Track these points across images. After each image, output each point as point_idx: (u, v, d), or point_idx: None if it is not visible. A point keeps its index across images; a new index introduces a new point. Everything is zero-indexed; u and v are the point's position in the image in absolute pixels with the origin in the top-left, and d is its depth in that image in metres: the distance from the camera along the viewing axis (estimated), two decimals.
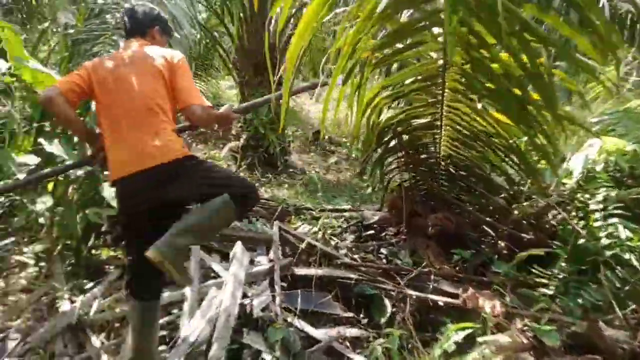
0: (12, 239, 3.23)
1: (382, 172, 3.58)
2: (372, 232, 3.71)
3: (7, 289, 2.87)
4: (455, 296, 2.67)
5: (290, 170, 7.63)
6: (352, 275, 2.82)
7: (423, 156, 3.47)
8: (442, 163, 3.42)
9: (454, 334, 2.34)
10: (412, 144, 3.37)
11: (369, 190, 5.53)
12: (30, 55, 2.92)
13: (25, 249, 3.17)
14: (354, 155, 8.65)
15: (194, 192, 2.13)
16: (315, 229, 3.21)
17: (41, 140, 2.85)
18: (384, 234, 3.71)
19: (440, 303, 2.66)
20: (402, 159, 3.35)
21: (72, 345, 2.42)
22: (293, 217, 4.07)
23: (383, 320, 2.78)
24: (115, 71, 2.14)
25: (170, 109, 2.17)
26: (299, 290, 2.76)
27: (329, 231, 3.24)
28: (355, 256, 3.05)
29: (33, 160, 2.80)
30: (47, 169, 2.68)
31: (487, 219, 3.28)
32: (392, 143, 3.35)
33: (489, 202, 3.33)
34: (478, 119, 2.84)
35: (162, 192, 2.05)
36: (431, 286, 2.72)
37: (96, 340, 2.51)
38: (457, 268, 3.01)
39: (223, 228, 2.42)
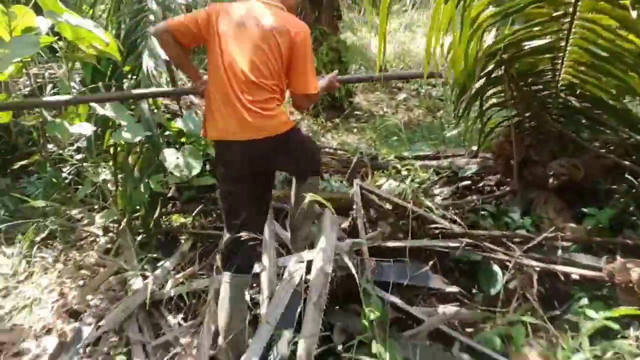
0: (80, 209, 3.13)
1: (481, 110, 3.00)
2: (468, 183, 3.22)
3: (81, 263, 2.78)
4: (592, 267, 2.16)
5: (357, 112, 7.15)
6: (453, 245, 2.38)
7: (535, 87, 2.83)
8: (562, 95, 2.78)
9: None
10: (522, 73, 2.74)
11: (453, 131, 4.93)
12: (72, 9, 2.64)
13: (96, 219, 3.06)
14: (423, 92, 7.91)
15: (289, 166, 2.34)
16: (402, 185, 2.77)
17: (94, 104, 2.60)
18: (482, 185, 3.21)
19: (575, 276, 2.17)
20: (508, 93, 2.74)
21: (147, 328, 2.26)
22: (370, 169, 3.65)
23: (493, 292, 2.36)
24: (239, 30, 2.05)
25: (281, 84, 2.12)
26: (391, 262, 2.38)
27: (418, 186, 2.78)
28: (455, 217, 2.58)
29: (87, 129, 2.58)
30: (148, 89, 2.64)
31: (626, 162, 2.64)
32: (495, 74, 2.74)
33: (624, 141, 2.68)
34: (625, 33, 2.16)
35: (265, 163, 2.13)
36: (559, 254, 2.22)
37: (173, 320, 2.33)
38: (589, 228, 2.45)
39: None
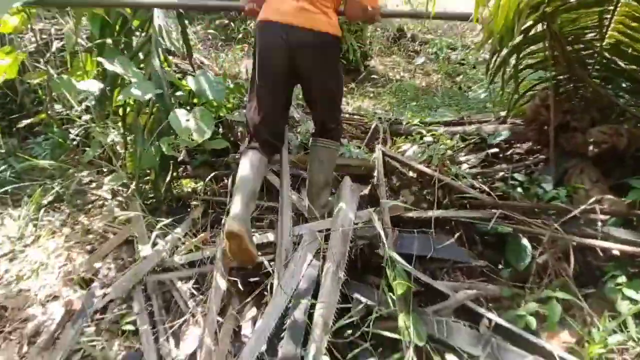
0: (88, 172, 3.03)
1: (516, 70, 2.77)
2: (497, 151, 3.04)
3: (89, 227, 2.70)
4: (634, 243, 2.00)
5: (373, 77, 6.90)
6: (483, 216, 2.23)
7: (577, 46, 2.60)
8: (606, 55, 2.55)
9: None
10: (564, 30, 2.51)
11: (479, 95, 4.69)
12: None
13: (105, 182, 2.96)
14: (442, 56, 7.57)
15: (316, 83, 2.31)
16: (427, 151, 2.60)
17: (102, 60, 2.45)
18: (512, 153, 3.02)
19: (615, 252, 2.02)
20: (549, 52, 2.51)
21: (157, 296, 2.18)
22: (390, 134, 3.48)
23: (522, 267, 2.23)
24: None
25: None
26: (415, 232, 2.25)
27: (443, 153, 2.61)
28: (484, 187, 2.42)
29: (95, 86, 2.44)
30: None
31: None
32: (534, 30, 2.51)
33: None
34: None
35: (300, 58, 2.18)
36: (599, 228, 2.06)
37: (183, 287, 2.25)
38: (629, 201, 2.27)
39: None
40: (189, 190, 3.13)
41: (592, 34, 2.56)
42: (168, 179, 2.75)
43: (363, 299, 2.04)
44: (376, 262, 2.20)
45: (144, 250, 2.35)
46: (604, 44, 2.54)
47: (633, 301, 1.93)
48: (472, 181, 2.49)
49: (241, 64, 6.36)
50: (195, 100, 2.90)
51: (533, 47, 2.70)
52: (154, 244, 2.42)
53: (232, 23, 7.57)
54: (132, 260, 2.38)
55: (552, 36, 2.41)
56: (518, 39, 2.44)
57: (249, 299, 2.14)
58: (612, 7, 2.30)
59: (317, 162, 2.50)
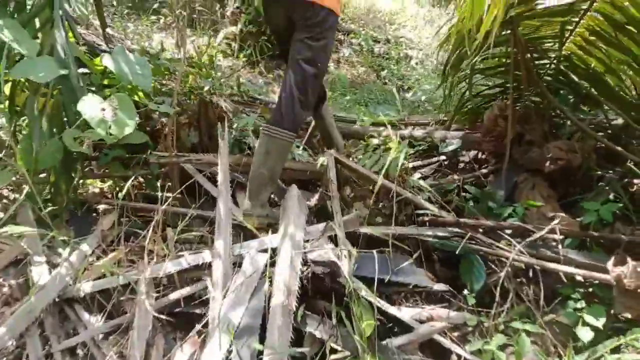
0: None
1: (472, 72, 2.68)
2: (443, 158, 2.95)
3: None
4: (596, 268, 1.98)
5: None
6: (443, 235, 2.10)
7: (534, 55, 2.56)
8: (560, 67, 2.55)
9: None
10: (525, 37, 2.44)
11: (413, 95, 4.65)
12: None
13: None
14: (367, 48, 7.53)
15: (298, 46, 2.24)
16: (381, 159, 2.41)
17: None
18: (459, 161, 2.95)
19: (579, 278, 1.99)
20: (511, 57, 2.43)
21: (59, 338, 1.75)
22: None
23: (477, 287, 2.14)
24: None
25: None
26: (374, 252, 2.04)
27: (402, 164, 2.42)
28: (440, 201, 2.28)
29: None
30: None
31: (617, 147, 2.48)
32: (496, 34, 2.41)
33: (629, 128, 2.51)
34: None
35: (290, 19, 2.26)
36: (560, 250, 2.01)
37: (94, 322, 1.84)
38: (586, 223, 2.28)
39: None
40: (97, 192, 2.65)
41: (550, 44, 2.54)
42: (72, 180, 2.26)
43: (317, 334, 1.81)
44: (329, 286, 1.98)
45: (40, 274, 1.88)
46: (559, 54, 2.53)
47: (593, 328, 1.92)
48: (428, 194, 2.34)
49: (154, 38, 5.73)
50: (105, 82, 2.42)
51: (492, 51, 2.62)
52: (53, 266, 1.96)
53: None
54: (23, 286, 1.90)
55: (515, 41, 2.33)
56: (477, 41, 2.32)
57: (180, 343, 1.78)
58: (576, 19, 2.26)
59: (264, 152, 2.31)
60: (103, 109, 1.87)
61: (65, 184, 2.20)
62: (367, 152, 2.45)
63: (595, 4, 2.12)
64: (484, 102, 3.10)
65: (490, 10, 1.68)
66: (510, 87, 2.45)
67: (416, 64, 7.42)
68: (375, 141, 2.57)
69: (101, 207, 2.51)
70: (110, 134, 1.87)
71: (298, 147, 2.99)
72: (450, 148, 2.80)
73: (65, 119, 2.09)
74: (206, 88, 2.65)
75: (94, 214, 2.49)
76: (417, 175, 2.61)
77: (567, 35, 2.37)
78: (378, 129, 3.04)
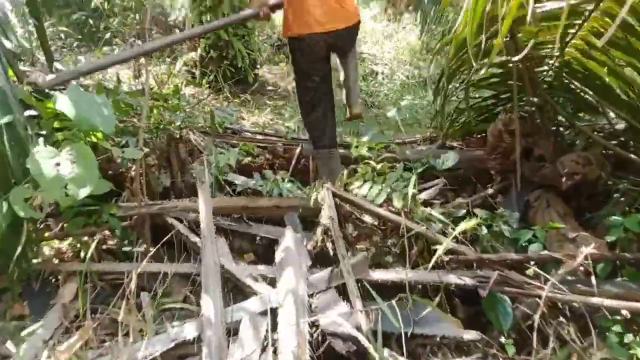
0: None
1: (467, 86, 2.51)
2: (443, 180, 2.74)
3: None
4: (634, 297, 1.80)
5: (268, 88, 6.43)
6: (469, 281, 1.86)
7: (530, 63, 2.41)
8: (562, 74, 2.41)
9: None
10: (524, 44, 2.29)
11: (393, 112, 4.46)
12: None
13: None
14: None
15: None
16: (384, 188, 2.17)
17: None
18: (460, 180, 2.76)
19: (625, 312, 1.79)
20: (513, 66, 2.27)
21: None
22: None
23: (506, 328, 1.92)
24: None
25: None
26: (394, 303, 1.76)
27: (406, 193, 2.18)
28: (454, 232, 2.05)
29: None
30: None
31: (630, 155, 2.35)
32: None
33: (636, 133, 2.39)
34: None
35: (340, 45, 2.71)
36: (593, 282, 1.80)
37: None
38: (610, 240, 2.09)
39: None
40: (53, 253, 2.29)
41: (550, 49, 2.40)
42: (22, 245, 1.91)
43: None
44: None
45: None
46: (557, 61, 2.39)
47: None
48: (439, 222, 2.11)
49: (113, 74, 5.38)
50: (56, 125, 2.09)
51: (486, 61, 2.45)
52: (3, 358, 1.61)
53: (89, 20, 6.47)
54: None
55: (516, 49, 2.17)
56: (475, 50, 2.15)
57: None
58: (579, 21, 2.12)
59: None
60: (57, 164, 1.57)
61: (14, 253, 1.85)
62: (366, 181, 2.21)
63: (601, 4, 1.98)
64: (477, 115, 2.94)
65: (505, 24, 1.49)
66: (513, 99, 2.28)
67: (383, 79, 7.32)
68: (373, 166, 2.33)
69: (62, 272, 2.16)
70: (67, 195, 1.56)
71: (284, 180, 2.73)
72: (448, 165, 2.60)
73: (11, 174, 1.75)
74: (177, 123, 2.36)
75: (53, 280, 2.14)
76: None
77: (568, 39, 2.23)
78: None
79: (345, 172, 2.28)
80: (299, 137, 3.79)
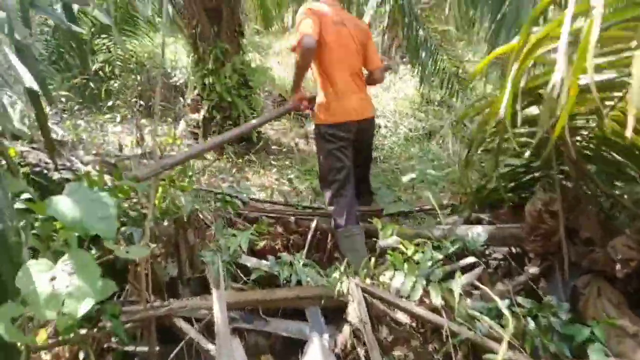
0: None
1: (497, 157, 2.34)
2: (473, 260, 2.53)
3: None
4: None
5: (272, 147, 6.33)
6: None
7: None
8: (601, 146, 2.25)
9: None
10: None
11: (407, 177, 4.29)
12: None
13: None
14: None
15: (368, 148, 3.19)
16: (418, 279, 1.95)
17: None
18: (495, 260, 2.54)
19: None
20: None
21: None
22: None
23: None
24: (337, 28, 2.81)
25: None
26: None
27: (435, 279, 1.96)
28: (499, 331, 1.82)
29: None
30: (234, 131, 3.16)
31: None
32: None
33: None
34: None
35: (364, 136, 3.03)
36: None
37: None
38: None
39: None
40: (49, 358, 2.04)
41: (584, 121, 2.26)
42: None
43: None
44: None
45: None
46: (591, 133, 2.24)
47: None
48: (485, 323, 1.87)
49: (114, 138, 5.28)
50: (57, 225, 1.88)
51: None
52: None
53: (90, 83, 6.43)
54: None
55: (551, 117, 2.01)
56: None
57: None
58: (620, 94, 1.98)
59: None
60: (53, 279, 1.36)
61: None
62: (396, 269, 2.00)
63: None
64: (506, 183, 2.77)
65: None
66: (554, 180, 2.11)
67: (386, 132, 7.25)
68: (404, 251, 2.12)
69: None
70: (65, 313, 1.35)
71: (298, 262, 2.51)
72: (481, 242, 2.39)
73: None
74: (188, 209, 2.17)
75: None
76: (456, 290, 2.14)
77: (606, 111, 2.09)
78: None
79: (373, 260, 2.07)
80: (311, 206, 3.61)
